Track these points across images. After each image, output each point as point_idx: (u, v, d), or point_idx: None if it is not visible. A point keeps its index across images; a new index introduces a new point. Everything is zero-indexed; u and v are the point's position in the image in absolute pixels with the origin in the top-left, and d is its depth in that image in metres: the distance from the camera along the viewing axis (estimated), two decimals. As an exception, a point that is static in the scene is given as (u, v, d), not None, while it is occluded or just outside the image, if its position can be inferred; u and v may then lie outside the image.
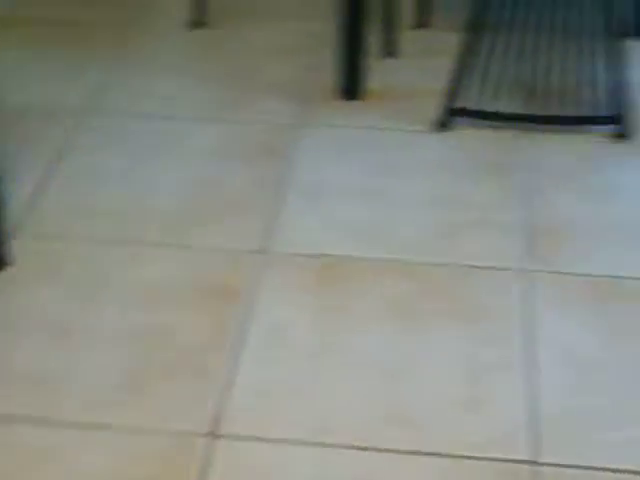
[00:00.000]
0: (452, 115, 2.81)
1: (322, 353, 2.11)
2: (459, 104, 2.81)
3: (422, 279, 2.30)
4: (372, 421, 1.96)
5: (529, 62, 2.97)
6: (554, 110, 2.85)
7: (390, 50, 3.13)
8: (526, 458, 1.89)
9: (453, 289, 2.28)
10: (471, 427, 1.95)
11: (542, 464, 1.88)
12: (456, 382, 2.05)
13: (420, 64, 3.08)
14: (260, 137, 2.76)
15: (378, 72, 2.99)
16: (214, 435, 1.93)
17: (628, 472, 1.87)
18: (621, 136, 2.78)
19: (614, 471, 1.87)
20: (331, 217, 2.48)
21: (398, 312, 2.21)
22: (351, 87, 2.93)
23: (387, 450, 1.91)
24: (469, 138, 2.78)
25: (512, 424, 1.96)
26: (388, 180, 2.61)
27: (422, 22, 3.29)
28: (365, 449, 1.91)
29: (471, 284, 2.29)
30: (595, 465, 1.88)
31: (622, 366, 2.09)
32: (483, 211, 2.51)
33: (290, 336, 2.15)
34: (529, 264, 2.35)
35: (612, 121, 2.79)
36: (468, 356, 2.11)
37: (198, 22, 3.27)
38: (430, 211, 2.51)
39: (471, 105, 2.83)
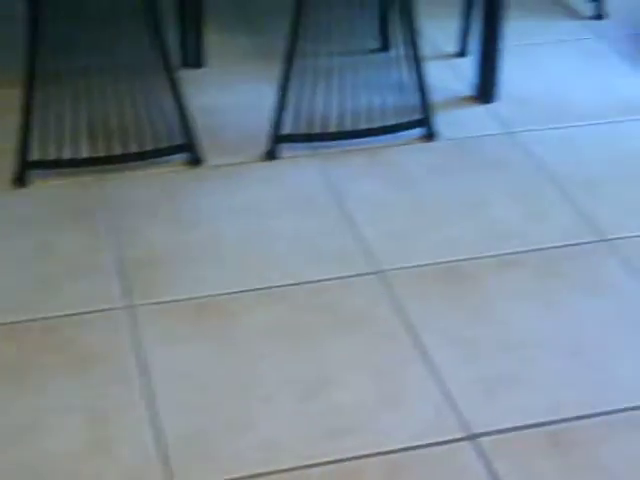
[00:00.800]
0: (27, 169, 2.78)
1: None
2: (33, 157, 2.79)
3: (23, 339, 2.26)
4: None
5: (98, 105, 3.00)
6: (130, 148, 2.90)
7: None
8: (164, 486, 1.93)
9: (61, 342, 2.26)
10: (100, 472, 1.95)
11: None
12: (79, 430, 2.03)
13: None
14: None
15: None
16: None
17: (264, 475, 1.95)
18: (196, 162, 2.88)
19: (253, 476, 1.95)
20: None
21: (6, 375, 2.16)
22: None
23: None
24: (50, 189, 2.77)
25: (144, 458, 1.98)
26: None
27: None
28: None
29: (77, 333, 2.28)
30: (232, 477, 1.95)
31: (228, 380, 2.17)
32: (75, 258, 2.51)
33: None
34: (130, 300, 2.38)
35: (184, 149, 2.89)
36: (89, 404, 2.10)
37: None
38: (23, 268, 2.47)
39: (45, 156, 2.82)
